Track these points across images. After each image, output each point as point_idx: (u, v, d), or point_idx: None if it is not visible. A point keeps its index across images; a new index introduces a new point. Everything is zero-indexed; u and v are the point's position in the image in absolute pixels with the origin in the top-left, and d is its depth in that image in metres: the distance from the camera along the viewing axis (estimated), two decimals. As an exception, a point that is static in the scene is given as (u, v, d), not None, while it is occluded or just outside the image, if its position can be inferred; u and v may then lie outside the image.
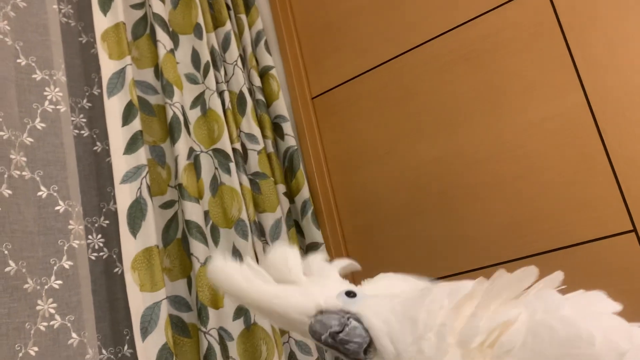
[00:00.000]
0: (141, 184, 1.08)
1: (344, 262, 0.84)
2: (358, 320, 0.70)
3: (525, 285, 0.67)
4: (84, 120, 1.17)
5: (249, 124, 1.39)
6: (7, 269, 0.85)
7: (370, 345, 0.68)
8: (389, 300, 0.71)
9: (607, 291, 0.66)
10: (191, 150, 1.22)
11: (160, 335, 1.00)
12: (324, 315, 0.71)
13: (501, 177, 1.21)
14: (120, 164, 1.09)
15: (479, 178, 1.23)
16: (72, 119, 1.13)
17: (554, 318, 0.60)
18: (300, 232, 1.42)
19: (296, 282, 0.76)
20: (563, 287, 0.69)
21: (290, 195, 1.44)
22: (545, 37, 1.19)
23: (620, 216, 1.08)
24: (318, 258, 0.83)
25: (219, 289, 0.82)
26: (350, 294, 0.73)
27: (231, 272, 0.77)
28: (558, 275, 0.67)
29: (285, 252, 0.81)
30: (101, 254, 1.09)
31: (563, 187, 1.14)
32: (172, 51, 1.27)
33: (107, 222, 1.13)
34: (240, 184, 1.27)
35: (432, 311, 0.66)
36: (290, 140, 1.47)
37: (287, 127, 1.48)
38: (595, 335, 0.57)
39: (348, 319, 0.70)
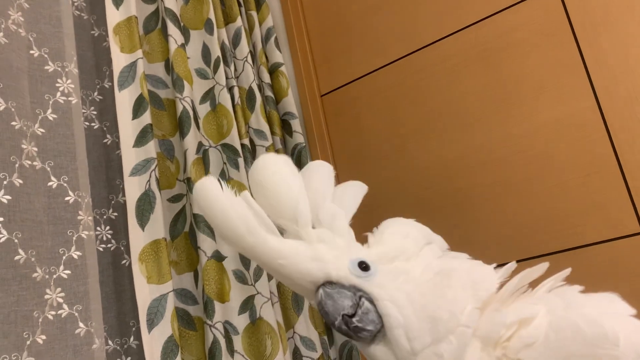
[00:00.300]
0: (150, 177, 1.09)
1: (352, 202, 0.77)
2: (371, 301, 0.65)
3: (534, 278, 0.68)
4: (95, 112, 1.18)
5: (257, 120, 1.40)
6: (16, 258, 0.86)
7: (379, 331, 0.65)
8: (405, 281, 0.67)
9: (614, 293, 0.67)
10: (200, 144, 1.22)
11: (166, 328, 1.01)
12: (335, 290, 0.65)
13: (510, 178, 1.21)
14: (130, 156, 1.10)
15: (488, 178, 1.23)
16: (83, 111, 1.14)
17: (578, 316, 0.60)
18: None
19: (303, 237, 0.68)
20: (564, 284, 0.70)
21: (298, 192, 1.45)
22: (557, 38, 1.19)
23: (629, 218, 1.07)
24: (327, 198, 0.73)
25: (206, 216, 0.70)
26: (362, 265, 0.67)
27: (227, 209, 0.66)
28: (566, 272, 0.68)
29: (292, 190, 0.71)
30: (109, 245, 1.10)
31: (573, 188, 1.14)
32: (183, 46, 1.27)
33: (115, 214, 1.13)
34: (248, 180, 1.28)
35: (455, 313, 0.62)
36: (299, 138, 1.47)
37: (296, 124, 1.48)
38: (619, 337, 0.58)
39: (360, 297, 0.65)
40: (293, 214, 0.69)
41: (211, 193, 0.68)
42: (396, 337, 0.62)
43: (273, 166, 0.74)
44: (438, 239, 0.79)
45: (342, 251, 0.68)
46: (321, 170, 0.78)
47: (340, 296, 0.65)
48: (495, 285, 0.66)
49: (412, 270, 0.69)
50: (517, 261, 1.16)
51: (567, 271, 0.69)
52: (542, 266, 0.69)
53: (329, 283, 0.66)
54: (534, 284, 0.70)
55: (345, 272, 0.67)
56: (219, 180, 0.69)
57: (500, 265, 1.21)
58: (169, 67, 1.26)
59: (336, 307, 0.65)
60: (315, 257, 0.66)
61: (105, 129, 1.18)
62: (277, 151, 1.43)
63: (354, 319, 0.64)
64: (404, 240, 0.75)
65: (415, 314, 0.63)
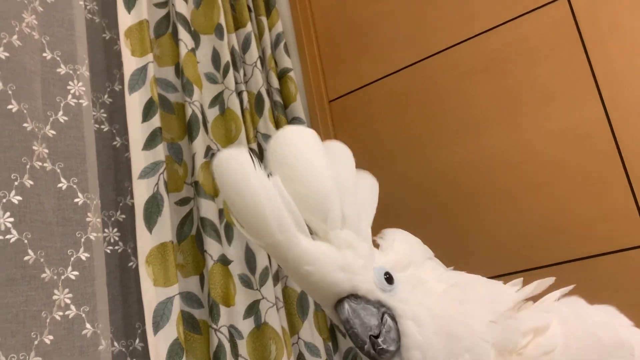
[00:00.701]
0: (158, 179, 1.10)
1: (371, 198, 0.70)
2: (392, 317, 0.61)
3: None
4: (105, 115, 1.19)
5: (265, 124, 1.40)
6: (26, 258, 0.86)
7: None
8: (424, 293, 0.64)
9: (619, 305, 0.67)
10: (208, 148, 1.23)
11: (171, 330, 1.01)
12: (360, 306, 0.60)
13: (517, 187, 1.21)
14: (139, 159, 1.10)
15: (494, 186, 1.23)
16: (93, 113, 1.15)
17: (594, 325, 0.60)
18: (312, 234, 1.43)
19: (331, 239, 0.61)
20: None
21: (304, 197, 1.45)
22: (566, 48, 1.19)
23: (636, 230, 1.07)
24: (352, 192, 0.65)
25: (230, 198, 0.58)
26: (386, 276, 0.63)
27: (260, 197, 0.56)
28: (569, 288, 0.68)
29: (325, 181, 0.61)
30: (116, 247, 1.11)
31: (578, 198, 1.14)
32: (193, 50, 1.28)
33: (123, 216, 1.14)
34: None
35: (472, 330, 0.60)
36: (306, 143, 1.47)
37: (304, 130, 1.49)
38: (634, 346, 0.58)
39: (383, 314, 0.61)
40: (323, 210, 0.61)
41: (243, 171, 0.57)
42: (411, 359, 0.59)
43: (306, 146, 0.64)
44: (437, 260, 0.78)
45: (367, 260, 0.63)
46: (342, 154, 0.69)
47: (367, 313, 0.61)
48: (513, 299, 0.65)
49: (426, 279, 0.66)
50: (523, 271, 1.17)
51: (570, 287, 0.68)
52: (550, 279, 0.68)
53: (353, 296, 0.61)
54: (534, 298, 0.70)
55: (372, 285, 0.62)
56: (250, 154, 0.58)
57: (505, 275, 1.20)
58: (179, 71, 1.27)
59: (364, 328, 0.60)
60: (344, 267, 0.60)
61: (114, 131, 1.19)
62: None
63: (379, 340, 0.60)
64: (412, 248, 0.72)
65: (434, 333, 0.60)
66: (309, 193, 0.61)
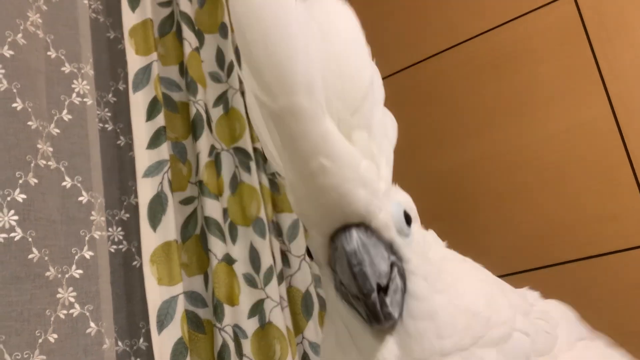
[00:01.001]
0: (163, 178, 1.09)
1: (393, 134, 0.52)
2: (402, 274, 0.45)
3: None
4: (109, 114, 1.19)
5: (270, 124, 1.40)
6: (30, 256, 0.86)
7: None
8: (437, 257, 0.49)
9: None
10: (212, 147, 1.23)
11: (176, 330, 1.01)
12: (372, 241, 0.43)
13: (523, 186, 1.20)
14: (143, 158, 1.10)
15: (501, 186, 1.23)
16: (97, 112, 1.15)
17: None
18: (316, 233, 1.42)
19: (355, 141, 0.43)
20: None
21: (308, 196, 1.44)
22: (572, 46, 1.18)
23: (643, 229, 1.07)
24: (380, 102, 0.49)
25: (254, 41, 0.41)
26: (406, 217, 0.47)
27: (297, 43, 0.41)
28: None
29: (367, 72, 0.48)
30: (120, 246, 1.10)
31: (586, 197, 1.13)
32: (197, 49, 1.28)
33: (127, 215, 1.14)
34: (260, 183, 1.28)
35: (502, 313, 0.46)
36: (310, 142, 1.47)
37: (308, 129, 1.48)
38: None
39: (391, 266, 0.44)
40: (356, 97, 0.45)
41: (283, 9, 0.41)
42: (420, 331, 0.43)
43: (349, 18, 0.49)
44: None
45: (388, 186, 0.46)
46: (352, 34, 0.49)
47: (377, 254, 0.43)
48: (527, 298, 0.54)
49: (432, 243, 0.51)
50: (529, 270, 1.17)
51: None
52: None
53: (363, 227, 0.43)
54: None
55: (389, 220, 0.45)
56: None
57: (513, 274, 1.19)
58: (183, 70, 1.27)
59: (374, 270, 0.42)
60: (366, 182, 0.42)
61: (118, 130, 1.19)
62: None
63: (387, 299, 0.43)
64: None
65: (454, 304, 0.45)
66: (346, 70, 0.46)
